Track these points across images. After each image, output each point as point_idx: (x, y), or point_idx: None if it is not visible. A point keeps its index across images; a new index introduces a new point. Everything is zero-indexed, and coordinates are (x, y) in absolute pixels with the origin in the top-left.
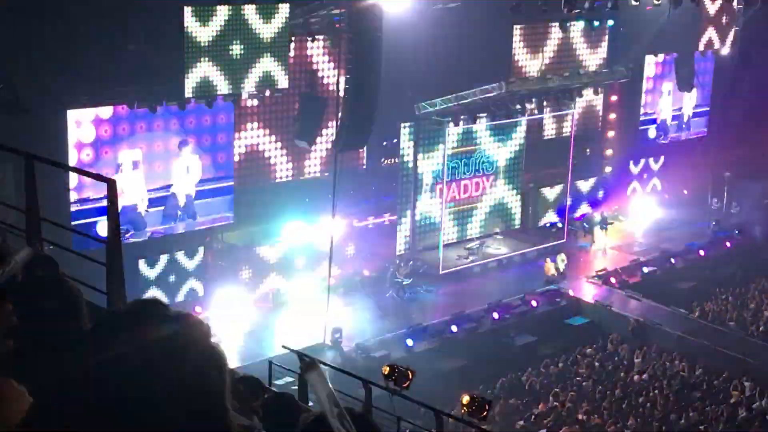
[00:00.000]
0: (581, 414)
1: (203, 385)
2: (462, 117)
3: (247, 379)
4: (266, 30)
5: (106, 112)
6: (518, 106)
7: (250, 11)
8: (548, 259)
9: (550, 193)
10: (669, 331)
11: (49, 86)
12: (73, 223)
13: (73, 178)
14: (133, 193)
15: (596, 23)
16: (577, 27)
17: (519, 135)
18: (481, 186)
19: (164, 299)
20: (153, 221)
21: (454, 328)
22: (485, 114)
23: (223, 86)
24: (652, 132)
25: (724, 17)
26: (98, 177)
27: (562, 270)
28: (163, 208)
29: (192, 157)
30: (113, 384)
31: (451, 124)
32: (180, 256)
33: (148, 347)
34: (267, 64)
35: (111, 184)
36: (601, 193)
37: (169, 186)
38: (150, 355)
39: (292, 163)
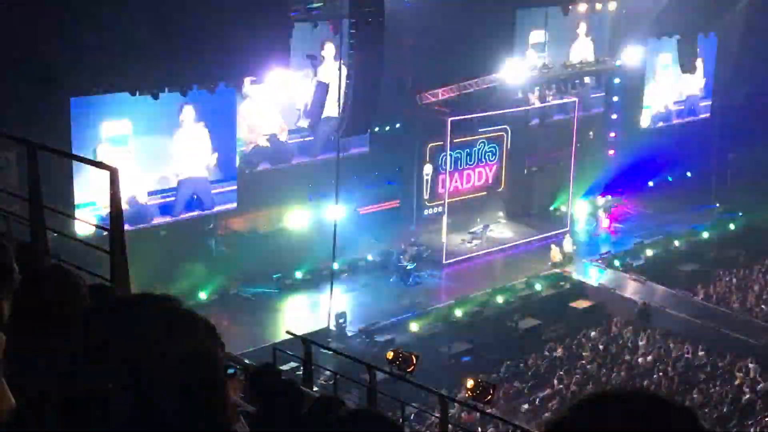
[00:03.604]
0: None
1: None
2: (464, 106)
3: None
4: (268, 15)
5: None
6: (520, 95)
7: None
8: (553, 245)
9: (554, 177)
10: (673, 313)
11: (52, 72)
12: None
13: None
14: (128, 181)
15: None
16: (579, 10)
17: (521, 122)
18: (484, 175)
19: (167, 288)
20: (156, 212)
21: (458, 313)
22: (487, 103)
23: (224, 72)
24: (654, 115)
25: None
26: (100, 165)
27: (570, 252)
28: (173, 198)
29: (197, 127)
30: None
31: (454, 114)
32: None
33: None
34: (269, 49)
35: (113, 172)
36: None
37: (173, 183)
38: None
39: (295, 148)
